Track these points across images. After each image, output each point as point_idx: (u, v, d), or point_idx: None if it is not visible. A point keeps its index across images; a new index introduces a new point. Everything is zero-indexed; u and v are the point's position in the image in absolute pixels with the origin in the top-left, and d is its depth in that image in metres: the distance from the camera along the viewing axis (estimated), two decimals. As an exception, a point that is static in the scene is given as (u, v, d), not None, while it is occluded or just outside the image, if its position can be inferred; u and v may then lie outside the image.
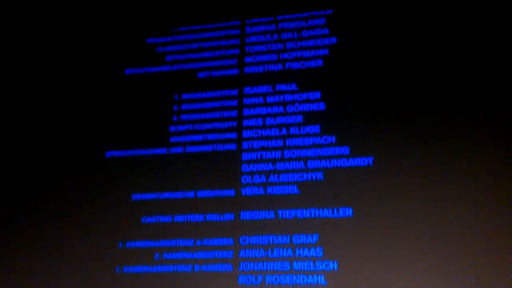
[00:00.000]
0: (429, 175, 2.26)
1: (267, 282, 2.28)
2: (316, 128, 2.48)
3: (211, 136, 2.60)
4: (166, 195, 2.54)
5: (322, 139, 2.45)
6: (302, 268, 2.27)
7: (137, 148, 2.65)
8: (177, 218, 2.48)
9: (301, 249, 2.30)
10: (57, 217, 2.59)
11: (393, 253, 2.19)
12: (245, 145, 2.54)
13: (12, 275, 2.53)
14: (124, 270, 2.44)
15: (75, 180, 2.64)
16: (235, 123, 2.60)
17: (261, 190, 2.44)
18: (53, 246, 2.53)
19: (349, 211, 2.30)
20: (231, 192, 2.47)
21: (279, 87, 2.60)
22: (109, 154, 2.68)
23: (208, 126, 2.62)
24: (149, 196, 2.55)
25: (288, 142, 2.50)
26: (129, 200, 2.57)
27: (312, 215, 2.34)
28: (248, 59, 2.68)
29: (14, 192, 2.68)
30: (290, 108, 2.55)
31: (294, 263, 2.29)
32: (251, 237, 2.38)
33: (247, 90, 2.64)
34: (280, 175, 2.45)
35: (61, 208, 2.60)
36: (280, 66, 2.63)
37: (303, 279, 2.25)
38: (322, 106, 2.50)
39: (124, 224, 2.52)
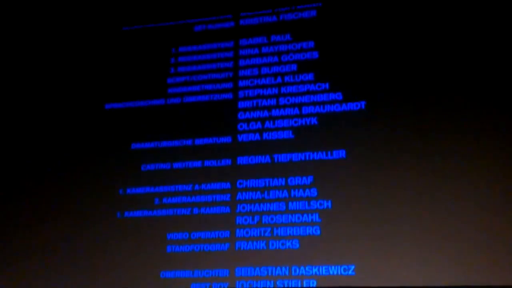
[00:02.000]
0: (421, 117, 2.29)
1: (263, 222, 2.32)
2: (310, 76, 2.49)
3: (208, 87, 2.61)
4: (165, 143, 2.56)
5: (316, 86, 2.47)
6: (297, 208, 2.30)
7: (136, 100, 2.68)
8: (176, 165, 2.51)
9: (296, 190, 2.33)
10: (59, 168, 2.61)
11: (384, 192, 2.22)
12: (241, 94, 2.56)
13: (16, 227, 2.57)
14: (125, 215, 2.47)
15: (77, 132, 2.65)
16: (231, 74, 2.61)
17: (257, 136, 2.46)
18: (56, 194, 2.56)
19: (342, 153, 2.32)
20: (228, 139, 2.49)
21: (273, 38, 2.61)
22: (108, 106, 2.70)
23: (205, 77, 2.64)
24: (148, 145, 2.57)
25: (283, 89, 2.51)
26: (129, 150, 2.59)
27: (307, 158, 2.36)
28: (243, 12, 2.70)
29: (18, 145, 2.72)
30: (285, 58, 2.56)
31: (290, 204, 2.32)
32: (248, 181, 2.40)
33: (243, 42, 2.65)
34: (276, 122, 2.47)
35: (63, 158, 2.62)
36: (274, 18, 2.65)
37: (298, 218, 2.28)
38: (315, 55, 2.52)
39: (125, 172, 2.53)
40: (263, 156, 2.41)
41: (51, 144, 2.66)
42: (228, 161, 2.45)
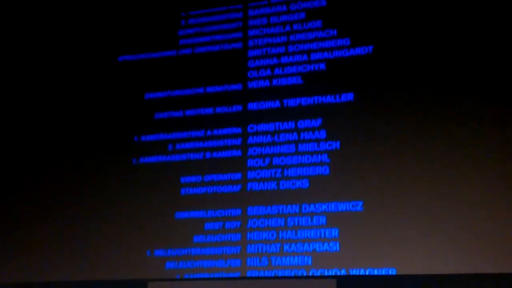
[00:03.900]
0: (427, 62, 2.27)
1: (274, 164, 2.33)
2: (318, 23, 2.47)
3: (218, 37, 2.62)
4: (177, 92, 2.56)
5: (324, 32, 2.45)
6: (307, 149, 2.31)
7: (148, 52, 2.69)
8: (188, 113, 2.51)
9: (306, 133, 2.33)
10: (75, 119, 2.62)
11: (391, 132, 2.22)
12: (250, 43, 2.55)
13: (37, 177, 2.62)
14: (140, 161, 2.50)
15: (92, 85, 2.65)
16: (240, 24, 2.59)
17: (267, 83, 2.45)
18: (73, 145, 2.58)
19: (350, 96, 2.32)
20: (238, 86, 2.49)
21: (282, -13, 2.60)
22: (121, 58, 2.71)
23: (215, 27, 2.64)
24: (160, 94, 2.59)
25: (291, 37, 2.50)
26: (143, 99, 2.61)
27: (316, 101, 2.36)
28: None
29: (37, 98, 2.73)
30: (293, 6, 2.53)
31: (299, 145, 2.32)
32: (259, 125, 2.41)
33: (252, -8, 2.65)
34: (285, 68, 2.45)
35: (80, 109, 2.64)
36: (282, -32, 2.63)
37: (308, 159, 2.29)
38: (323, 2, 2.49)
39: (139, 120, 2.55)
40: (273, 102, 2.41)
41: (67, 97, 2.67)
42: (239, 107, 2.45)
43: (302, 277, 2.12)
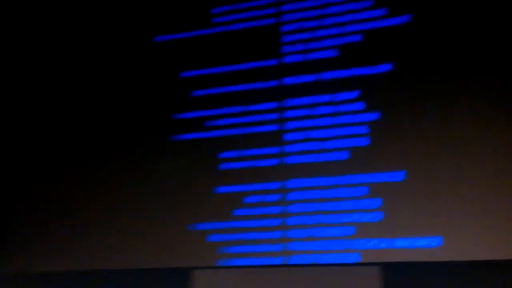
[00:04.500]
0: (466, 29, 2.20)
1: (311, 137, 2.30)
2: (353, -5, 2.44)
3: (252, 14, 2.59)
4: (212, 70, 2.55)
5: (360, 4, 2.41)
6: (345, 121, 2.26)
7: (182, 31, 2.68)
8: (224, 89, 2.50)
9: (344, 105, 2.28)
10: (113, 100, 2.64)
11: (433, 101, 2.16)
12: (284, 18, 2.52)
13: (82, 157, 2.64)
14: (178, 138, 2.50)
15: (128, 66, 2.66)
16: (273, -1, 2.58)
17: (302, 57, 2.41)
18: (112, 124, 2.59)
19: (389, 67, 2.27)
20: (273, 62, 2.46)
21: (315, -39, 2.56)
22: (156, 39, 2.71)
23: (248, 4, 2.62)
24: (196, 73, 2.58)
25: (326, 10, 2.46)
26: (179, 78, 2.61)
27: (353, 73, 2.32)
28: None
29: (78, 79, 2.76)
30: (327, -21, 2.51)
31: (338, 118, 2.27)
32: (295, 99, 2.37)
33: (284, -32, 2.61)
34: (320, 42, 2.41)
35: (117, 91, 2.64)
36: None
37: (347, 131, 2.25)
38: (358, -26, 2.46)
39: (175, 99, 2.55)
40: (309, 75, 2.37)
41: (105, 79, 2.68)
42: (275, 82, 2.43)
43: (345, 264, 2.08)
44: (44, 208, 2.60)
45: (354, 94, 2.27)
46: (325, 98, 2.31)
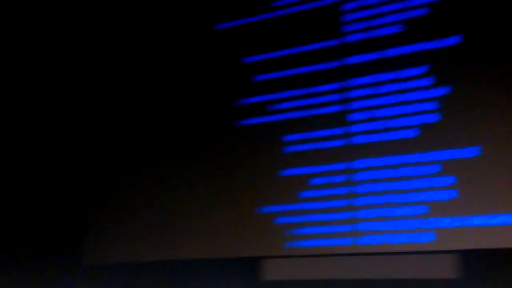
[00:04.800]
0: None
1: (377, 116, 2.22)
2: (416, -32, 2.35)
3: (311, -5, 2.56)
4: (273, 54, 2.54)
5: (424, -23, 2.32)
6: (413, 98, 2.18)
7: (242, 17, 2.68)
8: (286, 73, 2.47)
9: (410, 82, 2.20)
10: (177, 90, 2.68)
11: (506, 74, 2.04)
12: (344, -4, 2.47)
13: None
14: (241, 123, 2.51)
15: (190, 54, 2.69)
16: (332, -22, 2.53)
17: (364, 35, 2.36)
18: (176, 111, 2.64)
19: (457, 39, 2.16)
20: (334, 42, 2.41)
21: None
22: (217, 27, 2.73)
23: (307, -15, 2.58)
24: (257, 58, 2.58)
25: (388, -15, 2.39)
26: (240, 64, 2.62)
27: (419, 48, 2.22)
28: None
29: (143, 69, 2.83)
30: (388, -45, 2.43)
31: (404, 95, 2.19)
32: (358, 79, 2.30)
33: None
34: (383, 18, 2.33)
35: (180, 79, 2.68)
36: None
37: (414, 108, 2.15)
38: None
39: (237, 84, 2.55)
40: (372, 53, 2.30)
41: (170, 70, 2.72)
42: (337, 63, 2.37)
43: (421, 252, 2.00)
44: (120, 200, 2.66)
45: (421, 69, 2.18)
46: (390, 75, 2.23)
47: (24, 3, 3.02)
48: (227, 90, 2.57)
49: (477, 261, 1.90)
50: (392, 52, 2.25)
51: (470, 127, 2.02)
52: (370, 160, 2.16)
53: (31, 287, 2.63)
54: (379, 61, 2.27)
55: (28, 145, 2.88)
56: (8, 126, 2.92)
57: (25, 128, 2.92)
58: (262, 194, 2.31)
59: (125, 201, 2.65)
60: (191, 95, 2.65)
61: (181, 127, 2.63)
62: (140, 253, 2.52)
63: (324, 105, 2.33)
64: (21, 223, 2.76)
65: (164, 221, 2.51)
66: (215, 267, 2.34)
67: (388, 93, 2.22)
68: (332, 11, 2.44)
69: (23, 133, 2.91)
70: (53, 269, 2.63)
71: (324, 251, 2.16)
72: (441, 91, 2.12)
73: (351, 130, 2.25)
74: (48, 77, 2.95)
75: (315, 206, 2.21)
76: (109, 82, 2.87)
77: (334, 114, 2.30)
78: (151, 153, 2.66)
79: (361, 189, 2.15)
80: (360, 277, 2.07)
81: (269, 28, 2.57)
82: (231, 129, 2.49)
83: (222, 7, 2.71)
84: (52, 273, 2.63)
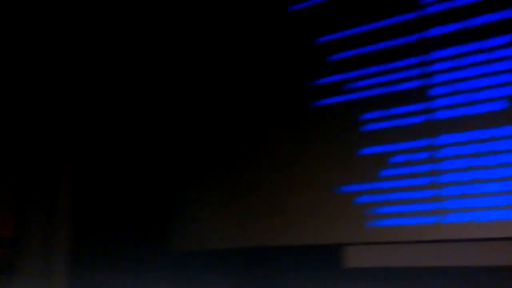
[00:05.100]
0: None
1: (461, 89, 2.12)
2: None
3: (386, -32, 2.48)
4: (347, 32, 2.48)
5: None
6: (500, 68, 2.05)
7: (315, -4, 2.66)
8: (362, 50, 2.41)
9: (496, 51, 2.08)
10: (251, 69, 2.72)
11: None
12: (422, -34, 2.37)
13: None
14: (318, 104, 2.50)
15: (265, 36, 2.70)
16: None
17: (444, 5, 2.22)
18: (254, 94, 2.69)
19: (549, 2, 2.02)
20: (412, 15, 2.32)
21: None
22: (291, 8, 2.72)
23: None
24: (330, 37, 2.55)
25: (469, -49, 2.26)
26: (314, 44, 2.60)
27: (505, 15, 2.09)
28: None
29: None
30: None
31: (491, 66, 2.08)
32: (439, 51, 2.20)
33: None
34: (464, -14, 2.23)
35: (256, 60, 2.71)
36: None
37: (501, 79, 2.04)
38: None
39: (312, 65, 2.53)
40: (453, 24, 2.20)
41: (246, 54, 2.76)
42: (416, 36, 2.29)
43: None
44: (207, 188, 2.73)
45: (508, 38, 2.05)
46: (474, 46, 2.12)
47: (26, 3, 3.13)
48: (302, 72, 2.56)
49: None
50: (475, 21, 2.14)
51: None
52: (454, 135, 2.08)
53: (126, 272, 2.79)
54: (462, 32, 2.16)
55: (126, 141, 3.00)
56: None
57: (122, 128, 3.04)
58: (341, 174, 2.30)
59: (211, 189, 2.72)
60: (266, 79, 2.67)
61: (258, 111, 2.66)
62: (224, 240, 2.60)
63: (403, 81, 2.26)
64: (116, 213, 2.91)
65: (247, 207, 2.56)
66: (297, 254, 2.36)
67: (472, 65, 2.11)
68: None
69: (120, 131, 3.03)
70: (146, 255, 2.77)
71: (407, 230, 2.11)
72: (531, 59, 1.99)
73: (433, 105, 2.17)
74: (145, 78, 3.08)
75: (397, 184, 2.16)
76: (188, 75, 2.95)
77: (414, 89, 2.22)
78: (233, 140, 2.70)
79: (446, 165, 2.08)
80: (450, 264, 2.01)
81: (342, 5, 2.52)
82: (307, 111, 2.49)
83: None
84: (145, 259, 2.76)
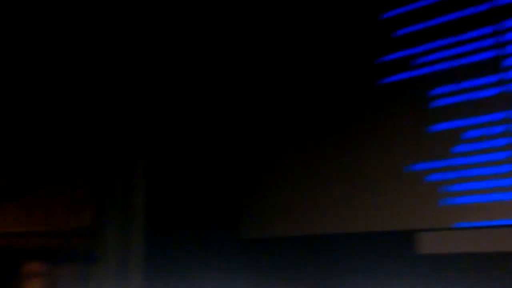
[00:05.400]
0: None
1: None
2: None
3: None
4: (413, 6, 2.41)
5: None
6: None
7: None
8: (428, 24, 2.32)
9: None
10: (315, 49, 2.68)
11: None
12: None
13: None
14: (385, 81, 2.43)
15: (328, 14, 2.65)
16: None
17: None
18: (317, 70, 2.66)
19: None
20: (482, -18, 2.22)
21: None
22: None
23: None
24: (395, 12, 2.47)
25: None
26: (377, 21, 2.53)
27: None
28: None
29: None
30: None
31: None
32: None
33: None
34: None
35: (319, 39, 2.67)
36: None
37: None
38: None
39: (378, 42, 2.47)
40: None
41: (310, 32, 2.73)
42: (487, 5, 2.18)
43: None
44: (274, 177, 2.74)
45: None
46: (552, 11, 2.00)
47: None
48: (367, 49, 2.50)
49: None
50: (553, -16, 2.01)
51: None
52: (532, 107, 1.98)
53: (197, 259, 2.88)
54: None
55: (197, 132, 3.09)
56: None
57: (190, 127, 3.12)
58: (412, 152, 2.24)
59: (280, 177, 2.72)
60: (333, 59, 2.64)
61: (325, 93, 2.63)
62: (292, 227, 2.60)
63: (474, 53, 2.17)
64: (187, 203, 3.01)
65: (315, 194, 2.54)
66: (368, 239, 2.33)
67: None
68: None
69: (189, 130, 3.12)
70: (215, 243, 2.84)
71: (483, 207, 2.04)
72: None
73: (508, 76, 2.06)
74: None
75: (471, 160, 2.08)
76: (259, 62, 2.93)
77: (486, 61, 2.13)
78: (301, 125, 2.68)
79: (523, 139, 1.98)
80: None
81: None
82: (375, 89, 2.44)
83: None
84: (214, 246, 2.84)
